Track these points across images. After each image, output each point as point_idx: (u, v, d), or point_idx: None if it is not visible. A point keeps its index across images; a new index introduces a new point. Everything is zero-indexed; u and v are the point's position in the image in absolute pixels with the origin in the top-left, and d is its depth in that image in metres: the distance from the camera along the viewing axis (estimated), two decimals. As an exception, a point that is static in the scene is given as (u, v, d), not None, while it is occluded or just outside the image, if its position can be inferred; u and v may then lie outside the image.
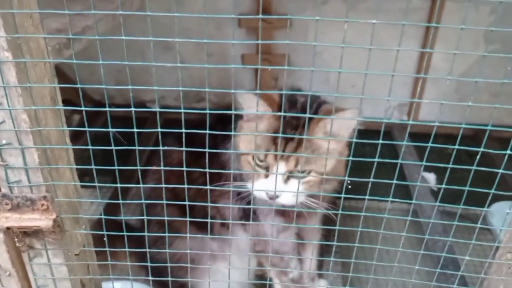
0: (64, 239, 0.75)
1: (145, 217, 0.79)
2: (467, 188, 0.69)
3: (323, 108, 1.08)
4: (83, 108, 0.63)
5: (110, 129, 0.65)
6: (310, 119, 1.03)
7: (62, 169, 0.73)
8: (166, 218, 0.78)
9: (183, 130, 0.69)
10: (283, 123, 1.03)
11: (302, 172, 1.03)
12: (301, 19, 2.09)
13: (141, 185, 0.74)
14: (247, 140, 1.07)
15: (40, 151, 0.67)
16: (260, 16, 0.67)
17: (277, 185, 1.01)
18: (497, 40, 2.07)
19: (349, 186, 0.75)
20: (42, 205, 0.70)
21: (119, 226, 0.86)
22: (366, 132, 1.03)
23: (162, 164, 0.69)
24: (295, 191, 1.02)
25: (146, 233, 0.81)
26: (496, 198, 0.74)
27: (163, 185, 0.77)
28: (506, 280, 0.78)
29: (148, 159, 2.00)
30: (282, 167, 1.03)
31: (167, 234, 0.80)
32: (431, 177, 1.97)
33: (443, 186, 0.70)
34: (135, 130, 0.66)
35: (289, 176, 1.04)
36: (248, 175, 1.08)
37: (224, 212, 1.23)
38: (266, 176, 1.05)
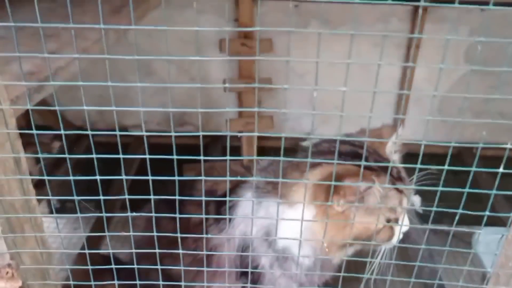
0: None
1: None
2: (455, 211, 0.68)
3: (380, 132, 1.13)
4: (40, 155, 0.61)
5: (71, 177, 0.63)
6: (377, 149, 1.08)
7: (28, 234, 0.70)
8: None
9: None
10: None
11: None
12: (283, 42, 2.09)
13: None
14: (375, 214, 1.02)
15: (3, 219, 0.65)
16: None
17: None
18: (476, 59, 2.09)
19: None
20: (7, 273, 0.68)
21: (105, 259, 0.83)
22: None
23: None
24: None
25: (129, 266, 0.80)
26: (479, 223, 0.73)
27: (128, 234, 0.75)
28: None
29: (131, 187, 1.97)
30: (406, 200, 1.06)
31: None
32: (416, 199, 1.97)
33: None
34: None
35: None
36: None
37: None
38: (396, 221, 1.07)
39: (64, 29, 1.10)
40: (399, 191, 1.03)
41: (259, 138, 2.17)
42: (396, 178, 1.05)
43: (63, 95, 2.01)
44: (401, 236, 1.08)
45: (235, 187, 1.12)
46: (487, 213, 0.67)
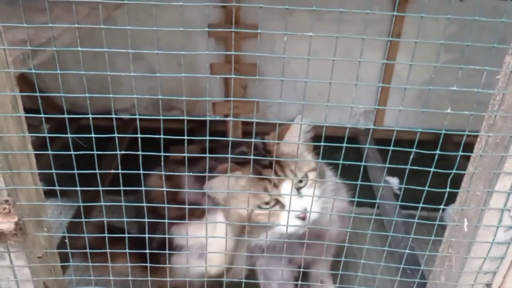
0: (27, 241, 0.77)
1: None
2: (426, 188, 0.75)
3: (271, 135, 1.18)
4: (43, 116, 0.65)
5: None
6: (273, 144, 1.13)
7: (24, 174, 0.75)
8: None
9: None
10: (254, 167, 1.09)
11: (301, 179, 1.10)
12: (268, 28, 2.13)
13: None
14: (245, 201, 1.08)
15: (1, 157, 0.69)
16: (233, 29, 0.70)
17: (296, 203, 1.04)
18: (456, 49, 2.15)
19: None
20: (4, 208, 0.72)
21: (110, 230, 0.89)
22: (333, 138, 1.09)
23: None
24: (313, 196, 1.04)
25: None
26: (453, 200, 0.79)
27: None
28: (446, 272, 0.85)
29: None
30: (287, 185, 1.07)
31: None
32: (394, 181, 2.03)
33: (404, 186, 0.75)
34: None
35: (298, 189, 1.09)
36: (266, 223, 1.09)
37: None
38: (283, 207, 1.08)
39: (55, 4, 1.15)
40: (263, 178, 1.08)
41: (244, 122, 2.21)
42: (263, 166, 1.09)
43: (52, 78, 2.03)
44: (296, 222, 1.05)
45: None
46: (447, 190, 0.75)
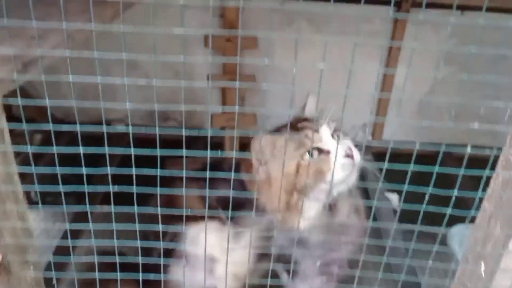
0: (11, 281, 0.73)
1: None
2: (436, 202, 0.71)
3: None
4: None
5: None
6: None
7: (10, 209, 0.71)
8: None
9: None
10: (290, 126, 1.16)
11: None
12: (267, 39, 2.10)
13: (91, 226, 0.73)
14: (288, 158, 1.11)
15: None
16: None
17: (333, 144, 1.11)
18: (456, 61, 2.13)
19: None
20: None
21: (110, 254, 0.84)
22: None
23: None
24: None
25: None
26: (456, 220, 0.75)
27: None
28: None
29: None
30: (325, 130, 1.14)
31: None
32: (394, 197, 2.00)
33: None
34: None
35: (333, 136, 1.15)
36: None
37: None
38: (327, 153, 1.11)
39: (48, 15, 1.12)
40: (298, 130, 1.14)
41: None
42: (300, 128, 1.15)
43: (47, 89, 1.99)
44: (345, 161, 1.09)
45: None
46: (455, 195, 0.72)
